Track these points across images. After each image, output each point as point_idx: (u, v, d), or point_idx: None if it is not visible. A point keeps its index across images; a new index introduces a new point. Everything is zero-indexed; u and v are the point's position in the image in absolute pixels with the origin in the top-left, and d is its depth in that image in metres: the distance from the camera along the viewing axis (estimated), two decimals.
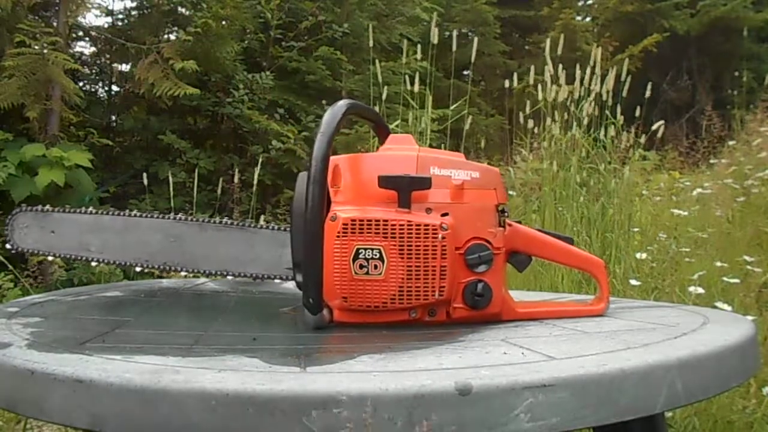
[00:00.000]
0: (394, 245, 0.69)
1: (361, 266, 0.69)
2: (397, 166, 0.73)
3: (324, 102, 5.86)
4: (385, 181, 0.71)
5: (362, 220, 0.70)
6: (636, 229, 2.28)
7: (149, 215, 0.88)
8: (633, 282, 1.63)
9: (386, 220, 0.70)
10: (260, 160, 4.12)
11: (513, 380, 0.40)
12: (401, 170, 0.73)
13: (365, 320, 0.70)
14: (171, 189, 3.55)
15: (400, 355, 0.54)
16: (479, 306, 0.72)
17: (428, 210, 0.72)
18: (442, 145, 3.11)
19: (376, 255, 0.69)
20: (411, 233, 0.70)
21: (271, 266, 0.86)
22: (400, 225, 0.70)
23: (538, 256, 0.80)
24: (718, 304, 1.39)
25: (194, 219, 0.87)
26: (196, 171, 4.26)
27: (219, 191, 3.94)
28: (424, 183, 0.71)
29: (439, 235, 0.70)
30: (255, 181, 3.64)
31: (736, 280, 1.58)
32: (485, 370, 0.42)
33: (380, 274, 0.69)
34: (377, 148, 0.81)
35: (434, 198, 0.73)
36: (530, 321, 0.74)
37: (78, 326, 0.71)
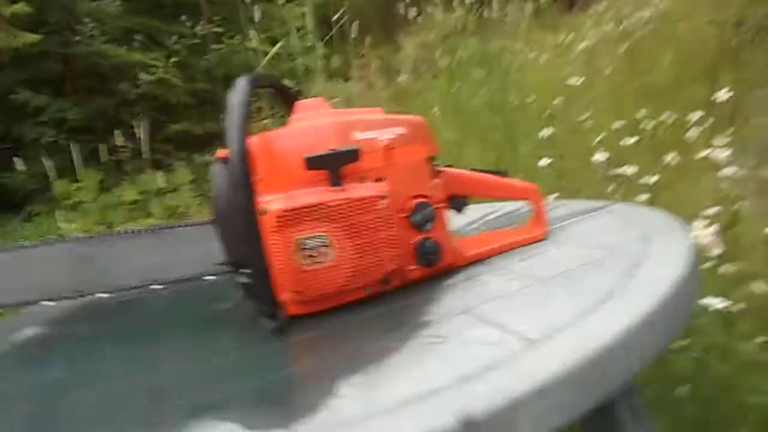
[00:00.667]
0: (338, 228, 0.66)
1: (308, 257, 0.66)
2: (318, 141, 0.68)
3: (184, 18, 5.39)
4: (313, 162, 0.66)
5: (296, 209, 0.65)
6: (533, 98, 2.32)
7: (45, 243, 0.78)
8: (542, 163, 1.68)
9: (322, 203, 0.66)
10: (132, 97, 3.81)
11: (512, 398, 0.39)
12: (323, 144, 0.67)
13: (320, 308, 0.68)
14: (43, 151, 3.25)
15: (380, 370, 0.51)
16: (432, 263, 0.70)
17: (362, 179, 0.68)
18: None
19: (320, 242, 0.66)
20: (352, 211, 0.66)
21: (200, 265, 0.80)
22: (338, 205, 0.66)
23: (474, 195, 0.79)
24: (625, 169, 1.47)
25: (99, 236, 0.79)
26: (67, 126, 3.89)
27: (103, 147, 3.65)
28: (354, 155, 0.66)
29: (380, 206, 0.67)
30: (136, 126, 3.38)
31: (635, 139, 1.67)
32: (479, 384, 0.41)
33: (330, 258, 0.66)
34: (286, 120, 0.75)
35: (365, 165, 0.68)
36: (479, 265, 0.74)
37: None
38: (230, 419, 0.45)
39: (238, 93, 0.64)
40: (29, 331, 0.82)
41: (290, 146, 0.68)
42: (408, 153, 0.70)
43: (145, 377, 0.60)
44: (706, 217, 1.05)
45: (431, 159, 0.72)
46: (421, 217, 0.70)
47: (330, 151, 0.66)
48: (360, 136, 0.69)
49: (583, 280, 0.60)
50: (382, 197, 0.67)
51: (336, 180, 0.66)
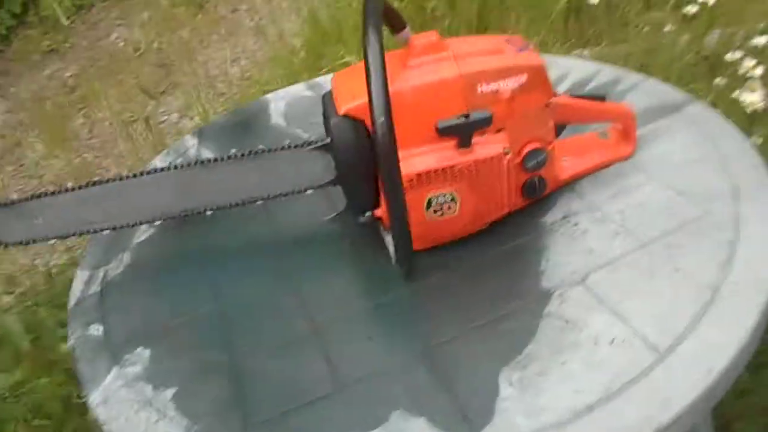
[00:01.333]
0: (464, 185, 0.70)
1: (435, 211, 0.71)
2: (447, 102, 0.67)
3: None
4: (446, 131, 0.67)
5: (430, 172, 0.68)
6: None
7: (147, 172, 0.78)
8: None
9: (453, 167, 0.69)
10: None
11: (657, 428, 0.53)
12: (452, 106, 0.67)
13: (436, 243, 0.76)
14: None
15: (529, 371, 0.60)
16: (537, 196, 0.77)
17: (484, 132, 0.70)
18: None
19: (448, 199, 0.71)
20: (478, 170, 0.70)
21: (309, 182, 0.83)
22: (468, 167, 0.69)
23: (575, 123, 0.81)
24: None
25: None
26: None
27: None
28: (488, 122, 0.67)
29: (504, 162, 0.70)
30: None
31: None
32: (627, 408, 0.55)
33: (454, 212, 0.71)
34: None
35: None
36: (572, 198, 0.80)
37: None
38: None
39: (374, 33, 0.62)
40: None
41: (418, 106, 0.68)
42: (528, 101, 0.70)
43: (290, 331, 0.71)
44: None
45: (548, 104, 0.73)
46: (535, 163, 0.74)
47: (463, 120, 0.67)
48: (484, 88, 0.68)
49: (685, 259, 0.68)
50: (506, 153, 0.70)
51: (466, 143, 0.68)
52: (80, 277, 0.84)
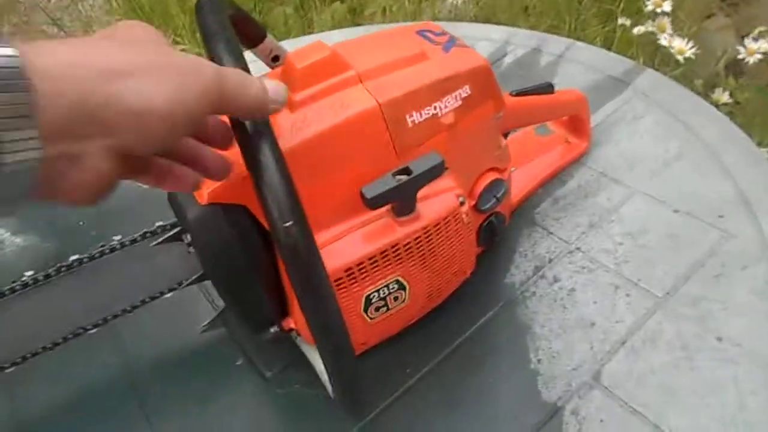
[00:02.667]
0: (414, 264, 0.47)
1: (377, 309, 0.47)
2: (365, 154, 0.43)
3: None
4: (378, 201, 0.42)
5: (361, 263, 0.44)
6: None
7: None
8: None
9: (395, 245, 0.45)
10: None
11: None
12: (377, 158, 0.43)
13: (382, 340, 0.52)
14: None
15: None
16: (495, 239, 0.56)
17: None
18: None
19: (394, 287, 0.47)
20: (430, 239, 0.46)
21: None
22: (416, 239, 0.46)
23: (527, 125, 0.60)
24: None
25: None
26: None
27: None
28: (437, 171, 0.43)
29: (461, 214, 0.48)
30: None
31: None
32: None
33: (403, 302, 0.48)
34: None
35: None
36: (535, 232, 0.61)
37: None
38: None
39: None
40: None
41: (324, 168, 0.42)
42: (474, 120, 0.48)
43: None
44: None
45: (498, 117, 0.51)
46: (495, 201, 0.52)
47: (403, 178, 0.42)
48: (417, 117, 0.45)
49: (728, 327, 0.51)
50: (462, 204, 0.47)
51: (407, 208, 0.45)
52: None
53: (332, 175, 0.43)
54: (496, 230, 0.54)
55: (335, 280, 0.44)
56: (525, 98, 0.57)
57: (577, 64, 0.78)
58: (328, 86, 0.43)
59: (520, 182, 0.62)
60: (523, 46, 0.83)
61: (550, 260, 0.58)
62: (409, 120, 0.44)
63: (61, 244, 0.68)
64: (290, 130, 0.42)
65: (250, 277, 0.45)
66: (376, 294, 0.46)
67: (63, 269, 0.49)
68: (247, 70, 0.34)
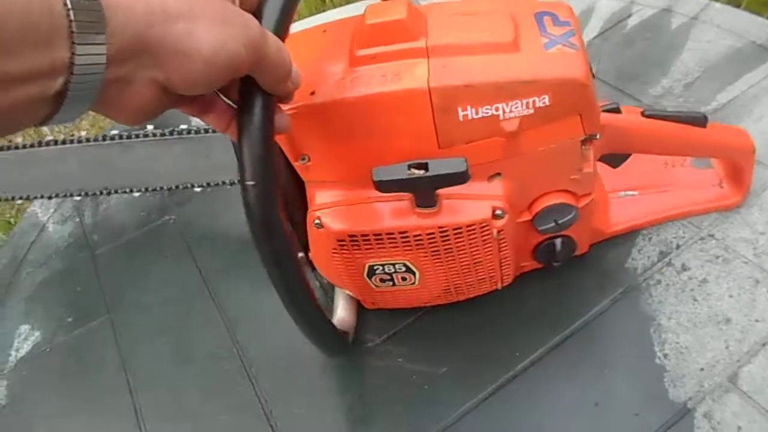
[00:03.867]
0: (425, 255, 0.45)
1: (382, 280, 0.47)
2: (402, 134, 0.41)
3: None
4: (386, 186, 0.41)
5: (364, 235, 0.44)
6: None
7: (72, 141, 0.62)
8: None
9: (404, 232, 0.43)
10: None
11: None
12: (413, 142, 0.41)
13: (402, 307, 0.52)
14: None
15: None
16: (556, 262, 0.50)
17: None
18: None
19: (401, 269, 0.46)
20: (447, 239, 0.44)
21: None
22: (429, 234, 0.43)
23: (650, 153, 0.49)
24: None
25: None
26: None
27: None
28: (456, 179, 0.40)
29: (494, 231, 0.43)
30: None
31: None
32: None
33: (413, 283, 0.47)
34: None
35: (477, 156, 0.42)
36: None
37: None
38: None
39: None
40: None
41: (360, 129, 0.42)
42: (547, 135, 0.42)
43: None
44: None
45: (587, 140, 0.43)
46: (554, 225, 0.46)
47: (416, 174, 0.40)
48: (473, 114, 0.40)
49: None
50: (497, 216, 0.43)
51: (426, 201, 0.42)
52: None
53: (371, 139, 0.42)
54: (555, 254, 0.48)
55: (338, 240, 0.44)
56: (655, 123, 0.46)
57: (712, 27, 0.66)
58: (393, 51, 0.41)
59: (637, 209, 0.53)
60: (650, 6, 0.71)
61: (678, 246, 0.52)
62: (461, 113, 0.40)
63: None
64: (339, 82, 0.41)
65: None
66: (380, 267, 0.46)
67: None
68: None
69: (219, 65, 0.30)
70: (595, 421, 0.45)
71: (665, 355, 0.47)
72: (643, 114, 0.47)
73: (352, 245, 0.45)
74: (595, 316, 0.50)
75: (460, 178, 0.40)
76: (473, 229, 0.43)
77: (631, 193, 0.54)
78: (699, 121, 0.47)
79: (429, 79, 0.40)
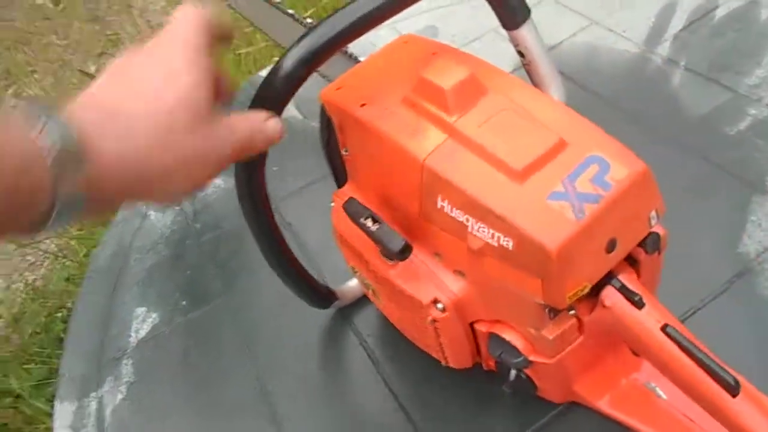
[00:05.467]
0: (384, 293, 0.46)
1: (360, 279, 0.50)
2: (400, 178, 0.42)
3: None
4: (351, 219, 0.42)
5: (343, 238, 0.47)
6: None
7: None
8: None
9: (368, 263, 0.45)
10: None
11: None
12: (405, 195, 0.41)
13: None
14: None
15: None
16: (506, 388, 0.45)
17: (437, 255, 0.42)
18: None
19: (366, 282, 0.48)
20: (398, 298, 0.44)
21: None
22: (384, 281, 0.44)
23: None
24: None
25: None
26: None
27: None
28: (392, 253, 0.39)
29: (428, 319, 0.42)
30: None
31: None
32: None
33: (378, 299, 0.50)
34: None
35: (447, 247, 0.41)
36: None
37: None
38: None
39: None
40: None
41: (377, 155, 0.43)
42: (507, 276, 0.37)
43: None
44: None
45: (550, 306, 0.36)
46: (500, 357, 0.42)
47: (369, 226, 0.40)
48: (447, 208, 0.38)
49: None
50: (437, 308, 0.41)
51: (382, 252, 0.42)
52: (61, 416, 0.62)
53: (377, 164, 0.44)
54: (507, 381, 0.44)
55: (336, 232, 0.48)
56: (667, 349, 0.36)
57: None
58: (427, 111, 0.40)
59: (646, 411, 0.43)
60: None
61: None
62: (439, 202, 0.39)
63: None
64: (382, 111, 0.42)
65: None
66: (357, 271, 0.49)
67: None
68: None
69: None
70: None
71: None
72: (663, 329, 0.37)
73: (342, 242, 0.48)
74: (710, 299, 0.50)
75: (393, 253, 0.40)
76: (415, 306, 0.43)
77: (659, 391, 0.43)
78: (726, 384, 0.35)
79: (430, 155, 0.39)
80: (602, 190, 0.35)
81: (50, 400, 0.96)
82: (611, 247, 0.36)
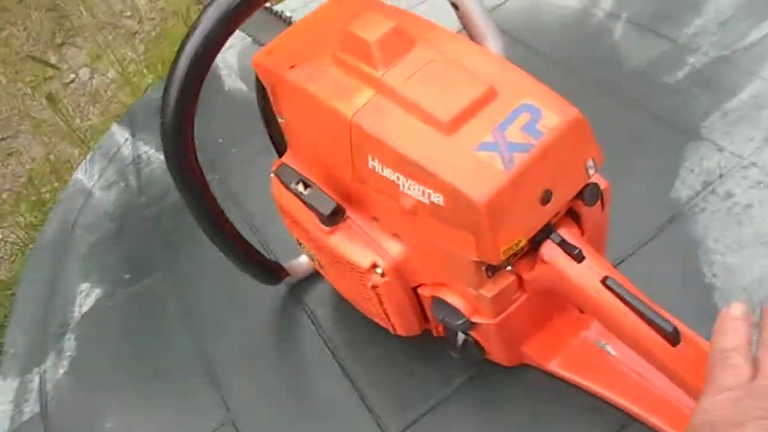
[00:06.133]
0: (324, 258, 0.45)
1: (306, 250, 0.48)
2: (330, 138, 0.40)
3: None
4: (284, 185, 0.40)
5: (285, 210, 0.45)
6: None
7: None
8: None
9: (307, 232, 0.43)
10: None
11: None
12: (336, 154, 0.40)
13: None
14: None
15: None
16: (452, 353, 0.44)
17: (374, 219, 0.41)
18: None
19: (309, 252, 0.47)
20: (336, 263, 0.43)
21: None
22: (321, 247, 0.43)
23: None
24: None
25: None
26: None
27: None
28: (323, 217, 0.38)
29: (369, 284, 0.41)
30: None
31: None
32: None
33: (322, 268, 0.48)
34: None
35: (382, 209, 0.39)
36: None
37: None
38: None
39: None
40: None
41: (309, 118, 0.41)
42: (441, 235, 0.36)
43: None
44: None
45: (486, 264, 0.35)
46: (441, 320, 0.41)
47: (300, 190, 0.39)
48: (378, 169, 0.37)
49: None
50: (376, 273, 0.40)
51: (319, 218, 0.41)
52: (4, 392, 0.62)
53: (314, 135, 0.42)
54: (454, 347, 0.43)
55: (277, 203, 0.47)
56: (608, 300, 0.35)
57: None
58: (355, 67, 0.38)
59: (595, 367, 0.42)
60: None
61: (721, 175, 0.54)
62: (370, 162, 0.37)
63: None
64: (312, 70, 0.40)
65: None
66: (301, 242, 0.48)
67: None
68: None
69: None
70: None
71: (714, 275, 0.48)
72: (603, 281, 0.36)
73: (282, 212, 0.47)
74: (644, 245, 0.51)
75: (324, 217, 0.38)
76: (353, 271, 0.42)
77: (609, 348, 0.43)
78: (666, 333, 0.34)
79: (357, 113, 0.37)
80: (533, 138, 0.34)
81: None
82: (546, 198, 0.35)
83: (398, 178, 0.36)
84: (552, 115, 0.34)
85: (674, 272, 0.48)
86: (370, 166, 0.37)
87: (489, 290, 0.38)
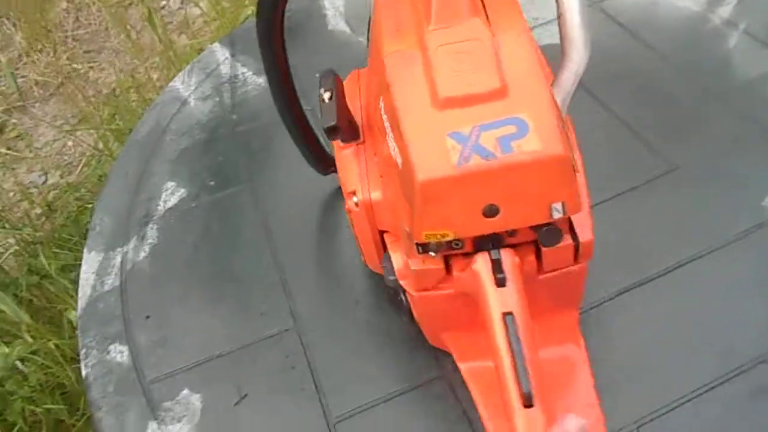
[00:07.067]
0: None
1: None
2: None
3: None
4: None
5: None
6: None
7: None
8: None
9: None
10: None
11: None
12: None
13: None
14: None
15: None
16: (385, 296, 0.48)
17: (375, 156, 0.45)
18: None
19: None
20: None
21: None
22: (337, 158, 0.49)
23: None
24: None
25: None
26: None
27: None
28: (325, 130, 0.42)
29: (346, 205, 0.46)
30: None
31: None
32: None
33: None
34: None
35: (377, 148, 0.44)
36: None
37: None
38: None
39: None
40: None
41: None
42: (398, 194, 0.40)
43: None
44: None
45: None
46: (385, 268, 0.45)
47: (319, 98, 0.43)
48: (381, 105, 0.41)
49: None
50: (354, 201, 0.45)
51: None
52: (88, 263, 0.66)
53: (371, 55, 0.46)
54: (404, 307, 0.46)
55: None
56: (498, 341, 0.37)
57: None
58: (417, 8, 0.40)
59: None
60: None
61: None
62: (380, 102, 0.40)
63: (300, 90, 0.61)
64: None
65: None
66: None
67: None
68: None
69: None
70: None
71: None
72: (504, 315, 0.37)
73: None
74: (726, 243, 0.52)
75: (329, 132, 0.42)
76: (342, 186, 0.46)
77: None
78: (522, 393, 0.35)
79: (390, 54, 0.39)
80: (500, 151, 0.34)
81: (74, 282, 1.08)
82: (489, 212, 0.35)
83: (388, 128, 0.39)
84: (535, 140, 0.34)
85: (755, 276, 0.49)
86: (379, 106, 0.40)
87: (415, 264, 0.40)
